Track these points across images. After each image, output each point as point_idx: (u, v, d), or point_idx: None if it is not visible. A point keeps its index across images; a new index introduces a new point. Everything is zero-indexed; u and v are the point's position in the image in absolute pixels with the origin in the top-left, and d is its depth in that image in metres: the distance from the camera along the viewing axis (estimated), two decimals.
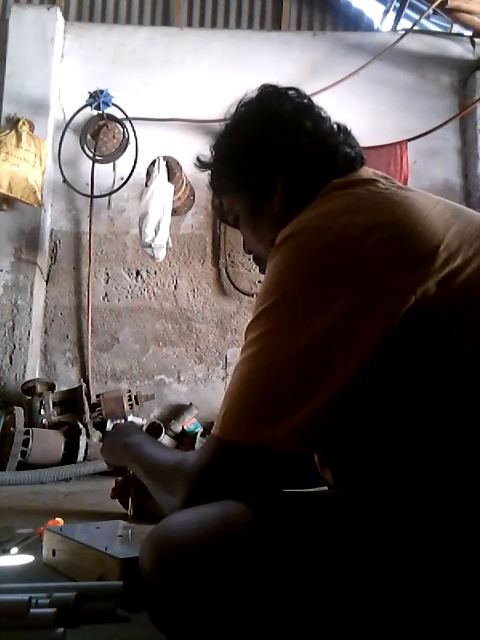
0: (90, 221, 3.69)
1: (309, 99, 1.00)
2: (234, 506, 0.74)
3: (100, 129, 3.68)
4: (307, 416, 0.73)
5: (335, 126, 0.97)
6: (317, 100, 1.02)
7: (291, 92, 1.00)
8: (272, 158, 0.95)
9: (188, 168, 3.66)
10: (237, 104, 1.03)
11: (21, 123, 3.58)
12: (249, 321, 0.81)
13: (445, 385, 0.73)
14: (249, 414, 0.76)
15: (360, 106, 3.72)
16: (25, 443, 2.74)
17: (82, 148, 3.68)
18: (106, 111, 3.64)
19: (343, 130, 0.97)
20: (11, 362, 3.54)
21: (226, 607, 0.67)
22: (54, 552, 1.12)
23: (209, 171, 1.07)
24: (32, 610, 0.78)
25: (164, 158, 3.50)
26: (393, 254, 0.73)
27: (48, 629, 0.76)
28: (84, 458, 2.86)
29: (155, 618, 0.72)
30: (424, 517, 0.71)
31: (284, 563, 0.68)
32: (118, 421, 3.25)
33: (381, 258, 0.73)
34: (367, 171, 0.92)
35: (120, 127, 3.66)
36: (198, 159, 1.07)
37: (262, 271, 0.93)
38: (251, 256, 1.09)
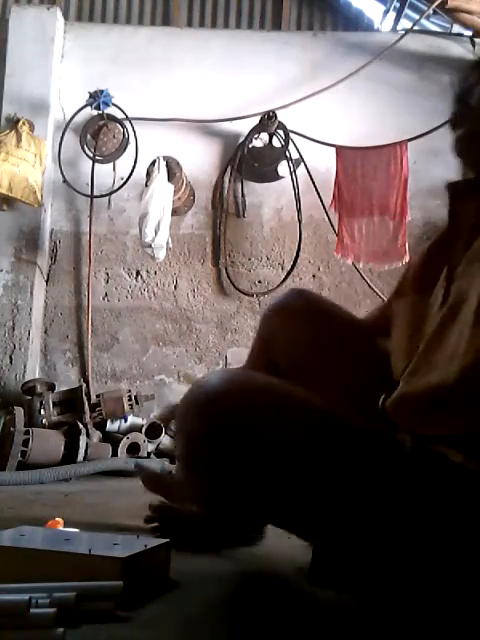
0: (90, 221, 3.69)
1: None
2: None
3: (100, 129, 3.68)
4: None
5: None
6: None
7: None
8: None
9: (188, 168, 3.66)
10: None
11: (21, 123, 3.58)
12: None
13: None
14: None
15: (360, 106, 3.72)
16: (25, 443, 2.73)
17: (82, 148, 3.68)
18: (106, 111, 3.64)
19: None
20: (11, 362, 3.54)
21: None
22: None
23: None
24: (32, 610, 0.78)
25: (164, 158, 3.50)
26: None
27: (48, 629, 0.76)
28: (84, 458, 2.86)
29: (194, 475, 0.77)
30: None
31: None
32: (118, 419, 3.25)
33: None
34: None
35: (120, 127, 3.66)
36: None
37: None
38: None
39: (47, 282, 3.77)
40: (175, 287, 3.77)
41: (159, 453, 3.29)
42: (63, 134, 3.70)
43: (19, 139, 3.53)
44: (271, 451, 0.72)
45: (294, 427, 0.73)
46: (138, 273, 3.78)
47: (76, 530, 1.28)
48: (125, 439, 3.12)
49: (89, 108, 3.66)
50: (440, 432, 0.76)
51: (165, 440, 3.34)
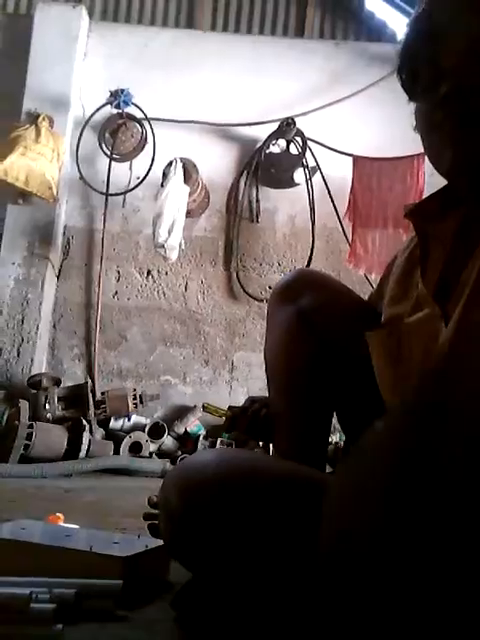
0: (104, 219, 3.70)
1: None
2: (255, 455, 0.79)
3: (119, 128, 3.70)
4: None
5: None
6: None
7: None
8: None
9: (205, 171, 3.67)
10: None
11: (41, 118, 3.60)
12: None
13: None
14: None
15: (379, 117, 3.72)
16: (28, 436, 2.74)
17: (100, 146, 3.70)
18: (126, 110, 3.66)
19: None
20: (18, 355, 3.55)
21: (240, 546, 0.72)
22: None
23: None
24: (32, 605, 0.78)
25: (181, 160, 3.51)
26: None
27: (47, 625, 0.76)
28: (86, 454, 2.86)
29: (174, 551, 0.80)
30: None
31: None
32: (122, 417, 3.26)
33: None
34: None
35: (139, 127, 3.68)
36: None
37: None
38: None
39: (58, 277, 3.78)
40: (185, 288, 3.78)
41: (161, 453, 3.29)
42: (82, 131, 3.72)
43: (38, 134, 3.55)
44: (248, 542, 0.73)
45: (276, 522, 0.74)
46: (149, 273, 3.79)
47: (76, 526, 1.28)
48: (128, 438, 3.12)
49: (109, 106, 3.67)
50: None
51: (167, 441, 3.34)
